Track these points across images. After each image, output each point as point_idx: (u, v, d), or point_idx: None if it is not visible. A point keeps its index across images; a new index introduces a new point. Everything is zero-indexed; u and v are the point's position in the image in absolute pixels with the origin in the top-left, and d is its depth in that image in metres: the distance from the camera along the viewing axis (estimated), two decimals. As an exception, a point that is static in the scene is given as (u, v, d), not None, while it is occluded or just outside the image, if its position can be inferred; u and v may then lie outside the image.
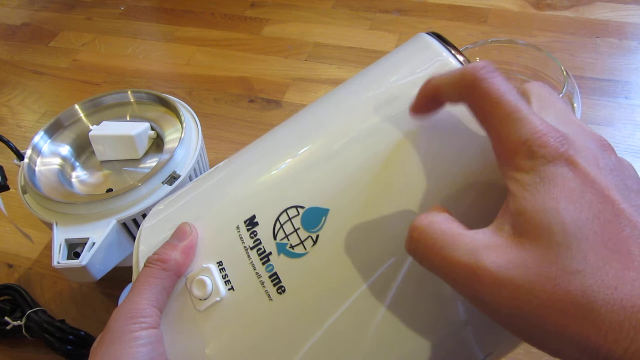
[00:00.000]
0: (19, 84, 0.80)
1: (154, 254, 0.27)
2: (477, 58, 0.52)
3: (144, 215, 0.45)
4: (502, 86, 0.20)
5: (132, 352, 0.23)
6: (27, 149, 0.50)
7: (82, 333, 0.47)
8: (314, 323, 0.24)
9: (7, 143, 0.49)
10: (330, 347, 0.24)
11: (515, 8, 0.83)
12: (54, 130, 0.53)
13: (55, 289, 0.54)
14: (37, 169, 0.49)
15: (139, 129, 0.51)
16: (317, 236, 0.24)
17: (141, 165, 0.52)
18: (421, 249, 0.20)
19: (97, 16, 0.93)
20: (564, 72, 0.44)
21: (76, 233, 0.44)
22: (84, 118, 0.55)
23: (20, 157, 0.50)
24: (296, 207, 0.25)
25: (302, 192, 0.25)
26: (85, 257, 0.42)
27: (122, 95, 0.56)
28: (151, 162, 0.52)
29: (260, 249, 0.25)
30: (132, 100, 0.56)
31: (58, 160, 0.51)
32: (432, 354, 0.24)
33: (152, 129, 0.53)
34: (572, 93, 0.43)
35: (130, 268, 0.30)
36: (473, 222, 0.21)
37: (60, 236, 0.43)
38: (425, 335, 0.24)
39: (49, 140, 0.52)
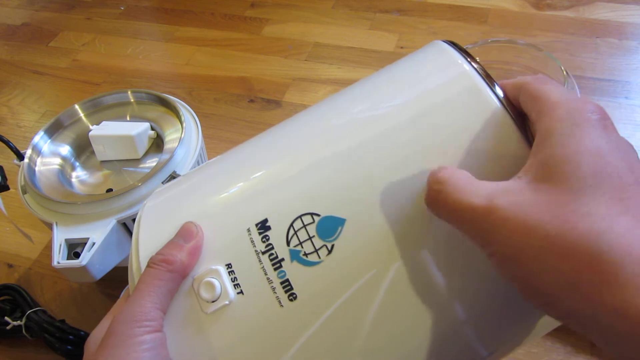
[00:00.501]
0: (19, 84, 0.80)
1: (158, 254, 0.26)
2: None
3: (144, 215, 0.45)
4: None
5: (137, 357, 0.23)
6: (27, 149, 0.50)
7: (82, 333, 0.47)
8: (324, 333, 0.24)
9: (7, 143, 0.49)
10: (339, 357, 0.24)
11: (515, 8, 0.83)
12: (54, 130, 0.53)
13: (55, 289, 0.54)
14: (37, 169, 0.49)
15: (139, 129, 0.51)
16: (333, 246, 0.24)
17: (141, 165, 0.52)
18: (442, 200, 0.21)
19: (97, 16, 0.93)
20: (564, 72, 0.44)
21: (76, 233, 0.44)
22: (84, 118, 0.55)
23: (20, 157, 0.50)
24: (311, 214, 0.24)
25: (318, 199, 0.25)
26: (85, 257, 0.42)
27: (122, 95, 0.56)
28: (151, 162, 0.52)
29: (272, 254, 0.24)
30: (132, 100, 0.56)
31: (58, 160, 0.51)
32: (438, 351, 0.24)
33: (152, 129, 0.53)
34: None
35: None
36: None
37: (60, 236, 0.43)
38: (433, 336, 0.24)
39: (49, 140, 0.52)
